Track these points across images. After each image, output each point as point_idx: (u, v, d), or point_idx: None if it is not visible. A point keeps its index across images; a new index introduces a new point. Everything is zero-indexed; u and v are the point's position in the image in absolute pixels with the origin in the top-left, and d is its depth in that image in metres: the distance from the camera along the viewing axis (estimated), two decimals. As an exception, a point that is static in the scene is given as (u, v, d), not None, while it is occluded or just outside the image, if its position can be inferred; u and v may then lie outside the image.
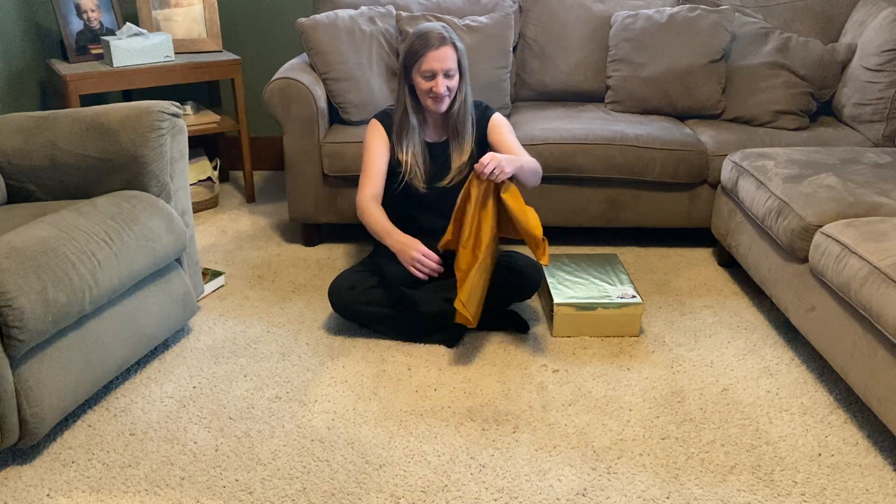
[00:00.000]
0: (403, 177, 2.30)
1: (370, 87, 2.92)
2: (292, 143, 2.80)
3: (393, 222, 2.27)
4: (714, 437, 1.89)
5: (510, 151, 2.30)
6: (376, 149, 2.33)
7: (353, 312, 2.28)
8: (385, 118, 2.36)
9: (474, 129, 2.34)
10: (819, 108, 3.01)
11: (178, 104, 2.22)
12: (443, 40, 2.18)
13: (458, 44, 2.23)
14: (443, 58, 2.18)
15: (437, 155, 2.35)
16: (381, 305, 2.26)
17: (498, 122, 2.38)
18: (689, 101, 3.01)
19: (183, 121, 2.25)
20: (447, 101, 2.25)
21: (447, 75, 2.20)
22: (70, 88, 2.93)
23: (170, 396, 2.04)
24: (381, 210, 2.26)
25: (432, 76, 2.19)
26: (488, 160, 2.07)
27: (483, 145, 2.36)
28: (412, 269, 2.12)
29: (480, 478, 1.74)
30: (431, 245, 2.23)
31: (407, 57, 2.22)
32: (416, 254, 2.11)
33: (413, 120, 2.29)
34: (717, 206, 2.74)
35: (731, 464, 1.80)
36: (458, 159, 2.32)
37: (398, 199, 2.35)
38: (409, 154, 2.30)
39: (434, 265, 2.12)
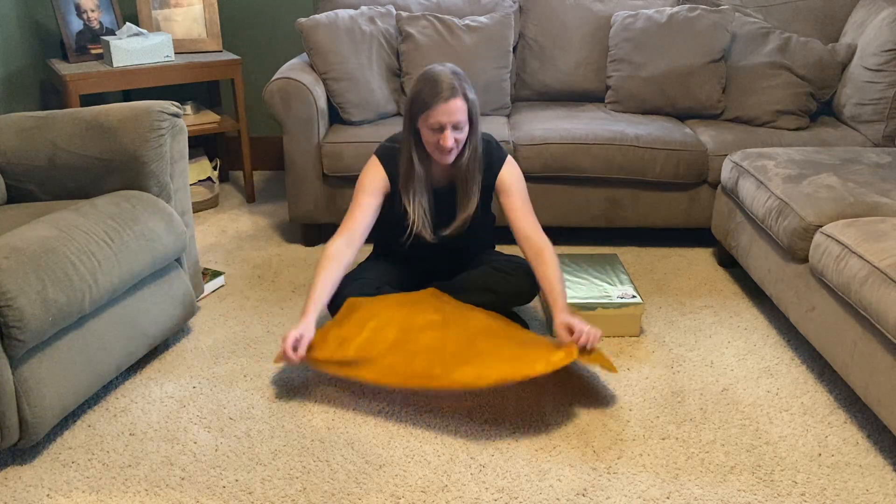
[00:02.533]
0: (412, 230, 2.17)
1: (370, 87, 2.92)
2: (292, 143, 2.80)
3: (405, 271, 2.31)
4: (714, 437, 1.89)
5: (524, 223, 2.17)
6: (367, 196, 2.15)
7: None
8: (387, 157, 2.19)
9: (481, 177, 2.18)
10: (819, 109, 3.01)
11: (178, 104, 2.22)
12: (453, 92, 2.01)
13: (470, 94, 2.06)
14: (452, 111, 2.01)
15: (443, 202, 2.22)
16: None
17: (509, 179, 2.20)
18: (690, 100, 3.01)
19: (183, 121, 2.25)
20: (455, 154, 2.10)
21: (456, 128, 2.04)
22: (70, 88, 2.93)
23: (170, 396, 2.04)
24: (329, 275, 2.07)
25: (440, 129, 2.04)
26: (586, 339, 1.93)
27: (488, 191, 2.23)
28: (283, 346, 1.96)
29: (480, 478, 1.74)
30: (433, 269, 2.29)
31: (414, 104, 2.06)
32: (284, 336, 1.95)
33: (419, 168, 2.14)
34: (718, 206, 2.74)
35: (732, 464, 1.80)
36: (464, 212, 2.18)
37: (409, 248, 2.24)
38: (417, 204, 2.16)
39: (287, 353, 1.93)
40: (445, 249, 2.30)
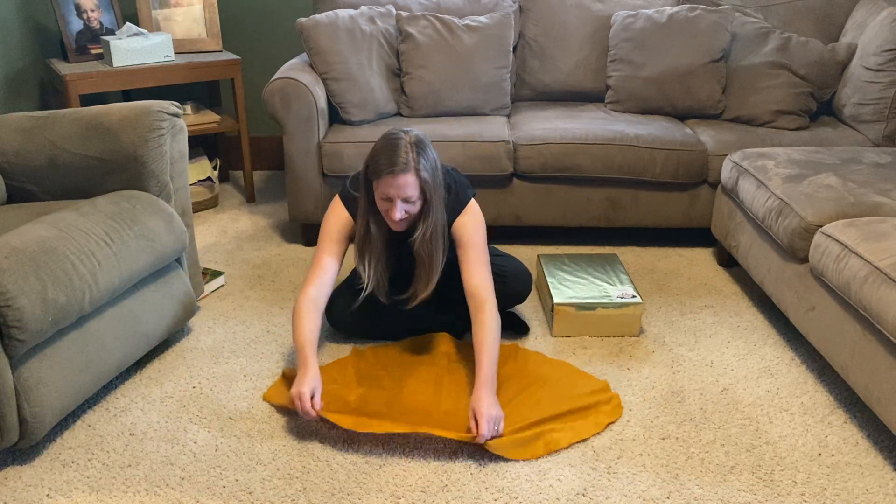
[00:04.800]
0: (365, 292, 2.09)
1: (370, 87, 2.92)
2: (292, 142, 2.80)
3: (362, 327, 2.23)
4: (714, 436, 1.89)
5: (473, 278, 2.01)
6: (331, 244, 2.08)
7: (352, 332, 2.28)
8: (350, 200, 2.09)
9: (445, 255, 2.07)
10: (819, 108, 3.01)
11: (177, 104, 2.22)
12: (405, 167, 1.89)
13: (424, 173, 1.92)
14: (401, 185, 1.90)
15: (400, 259, 2.12)
16: (377, 322, 2.24)
17: (465, 231, 2.05)
18: (690, 100, 3.01)
19: (183, 121, 2.25)
20: (405, 225, 2.01)
21: (406, 201, 1.94)
22: (70, 88, 2.93)
23: (170, 396, 2.04)
24: (312, 320, 1.98)
25: (389, 199, 1.94)
26: (484, 430, 1.77)
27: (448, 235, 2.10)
28: (293, 402, 1.86)
29: (480, 478, 1.74)
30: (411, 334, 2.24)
31: (368, 168, 1.97)
32: (297, 391, 1.84)
33: (375, 231, 2.04)
34: (717, 206, 2.74)
35: (732, 464, 1.80)
36: (424, 291, 2.07)
37: (362, 305, 2.16)
38: (371, 269, 2.07)
39: (306, 410, 1.83)
40: (402, 316, 2.23)
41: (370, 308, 2.19)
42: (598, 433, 1.88)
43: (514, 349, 2.21)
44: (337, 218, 2.10)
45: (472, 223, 2.08)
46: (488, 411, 1.80)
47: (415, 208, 1.97)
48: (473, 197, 2.12)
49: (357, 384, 2.04)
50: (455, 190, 2.09)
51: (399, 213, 1.94)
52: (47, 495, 1.69)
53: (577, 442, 1.85)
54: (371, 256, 2.07)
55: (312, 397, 1.84)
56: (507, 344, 2.22)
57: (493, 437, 1.80)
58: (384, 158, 1.92)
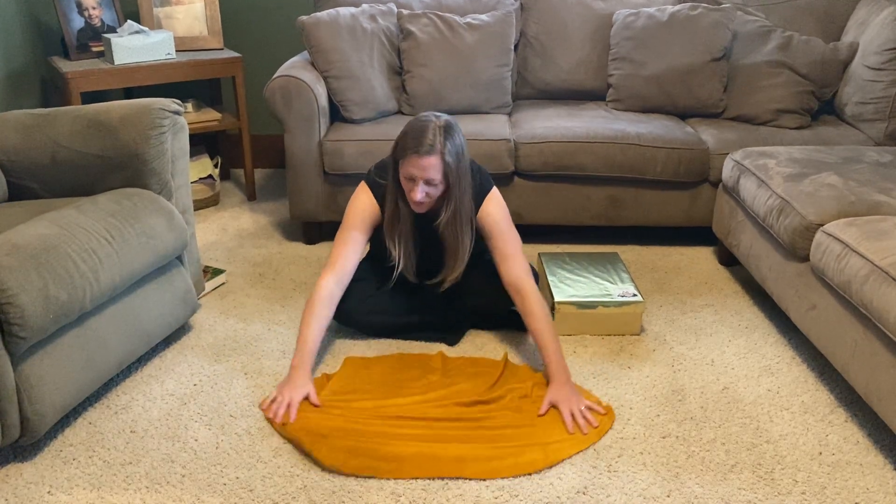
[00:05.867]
0: (396, 272, 2.14)
1: (371, 85, 2.92)
2: (293, 141, 2.80)
3: (391, 307, 2.24)
4: (715, 435, 1.89)
5: (509, 267, 2.08)
6: (354, 231, 2.11)
7: (354, 322, 2.28)
8: (377, 187, 2.13)
9: (472, 241, 2.12)
10: (820, 107, 3.01)
11: (178, 102, 2.22)
12: (431, 149, 1.94)
13: (449, 157, 1.96)
14: (425, 167, 1.95)
15: (431, 245, 2.15)
16: (382, 313, 2.25)
17: (491, 220, 2.11)
18: (691, 99, 3.01)
19: (184, 118, 2.25)
20: (425, 207, 2.05)
21: (428, 183, 1.98)
22: (71, 86, 2.93)
23: (171, 394, 2.04)
24: (324, 317, 2.04)
25: (412, 180, 1.99)
26: (570, 419, 1.88)
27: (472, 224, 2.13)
28: (272, 403, 1.93)
29: (480, 479, 1.74)
30: (433, 312, 2.24)
31: (396, 148, 2.02)
32: (279, 394, 1.93)
33: (404, 209, 2.08)
34: (719, 204, 2.74)
35: (732, 462, 1.80)
36: (451, 274, 2.13)
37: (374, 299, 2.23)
38: (402, 248, 2.12)
39: (281, 412, 1.88)
40: (430, 296, 2.26)
41: (382, 301, 2.22)
42: (594, 443, 1.86)
43: (501, 366, 2.13)
44: (362, 203, 2.13)
45: (497, 211, 2.13)
46: (567, 404, 1.90)
47: (436, 192, 2.01)
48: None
49: (342, 402, 1.96)
50: (479, 180, 2.14)
51: (420, 194, 1.98)
52: (48, 492, 1.69)
53: (576, 454, 1.82)
54: (400, 236, 2.11)
55: (296, 403, 1.90)
56: (495, 360, 2.17)
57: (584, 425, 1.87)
58: (411, 139, 1.97)
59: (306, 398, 1.94)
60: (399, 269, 2.14)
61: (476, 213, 2.12)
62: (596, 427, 1.88)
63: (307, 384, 1.97)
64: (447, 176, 1.99)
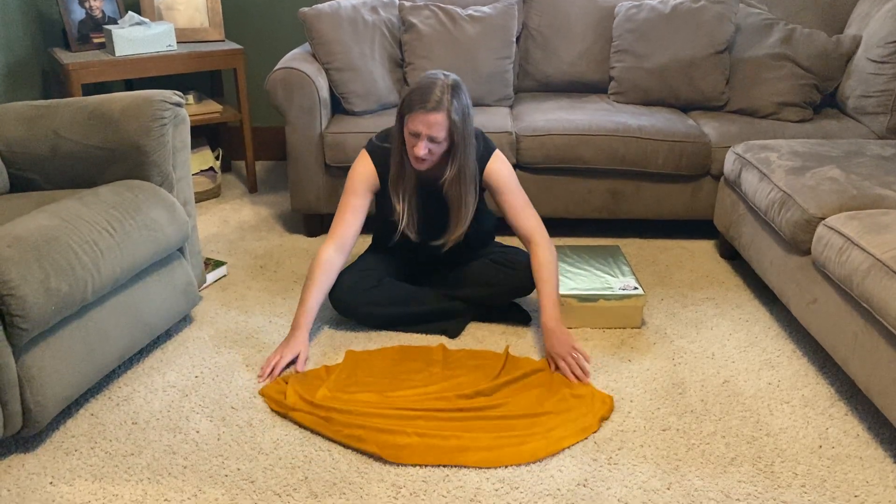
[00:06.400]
0: (400, 229, 2.18)
1: (372, 78, 2.91)
2: (294, 133, 2.80)
3: (405, 263, 2.33)
4: (715, 428, 1.90)
5: (521, 220, 2.17)
6: (356, 197, 2.16)
7: (355, 314, 2.28)
8: (377, 154, 2.18)
9: (476, 199, 2.17)
10: (823, 100, 3.00)
11: (180, 94, 2.21)
12: (438, 105, 1.97)
13: (455, 115, 2.00)
14: (430, 123, 1.98)
15: (433, 206, 2.19)
16: (383, 305, 2.25)
17: (497, 176, 2.17)
18: (693, 92, 3.00)
19: (185, 110, 2.24)
20: (427, 164, 2.08)
21: (432, 140, 2.01)
22: (72, 78, 2.93)
23: (172, 386, 2.05)
24: (324, 283, 2.12)
25: (416, 136, 2.02)
26: (563, 365, 2.03)
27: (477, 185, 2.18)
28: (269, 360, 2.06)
29: (481, 468, 1.75)
30: (431, 264, 2.29)
31: (403, 104, 2.05)
32: (280, 356, 2.05)
33: (409, 168, 2.12)
34: (720, 198, 2.74)
35: (732, 455, 1.80)
36: (455, 232, 2.17)
37: (408, 244, 2.27)
38: (405, 204, 2.15)
39: (266, 371, 2.03)
40: (440, 250, 2.29)
41: (383, 293, 2.23)
42: (595, 432, 1.87)
43: (502, 358, 2.13)
44: (362, 170, 2.18)
45: (503, 167, 2.19)
46: (558, 349, 2.06)
47: (439, 150, 2.04)
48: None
49: (341, 389, 1.98)
50: (483, 142, 2.19)
51: (423, 150, 2.01)
52: (50, 483, 1.70)
53: (577, 443, 1.83)
54: (405, 193, 2.15)
55: (292, 363, 2.06)
56: (496, 352, 2.17)
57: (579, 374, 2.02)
58: (418, 95, 2.00)
59: (294, 362, 2.07)
60: (403, 226, 2.17)
61: (482, 173, 2.17)
62: (588, 378, 2.03)
63: (299, 345, 2.08)
64: (452, 134, 2.02)
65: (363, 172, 2.18)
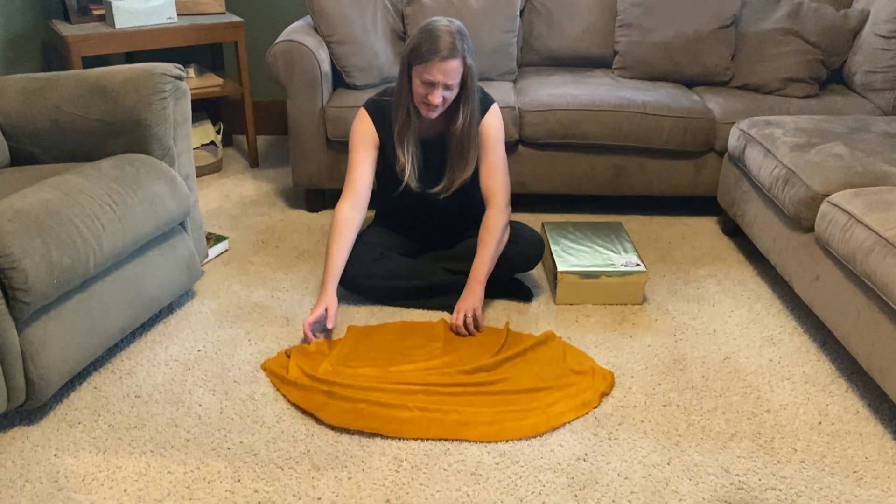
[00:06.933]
0: (402, 177, 2.20)
1: (374, 51, 2.89)
2: (296, 107, 2.78)
3: (408, 238, 2.35)
4: (715, 404, 1.90)
5: (490, 179, 2.19)
6: (362, 151, 2.19)
7: (358, 286, 2.28)
8: (376, 110, 2.20)
9: (476, 149, 2.20)
10: (829, 76, 2.97)
11: (180, 66, 2.20)
12: (453, 51, 2.00)
13: (469, 59, 2.05)
14: (447, 71, 2.01)
15: (433, 155, 2.22)
16: (385, 279, 2.25)
17: (489, 130, 2.19)
18: (698, 67, 2.97)
19: (186, 83, 2.23)
20: (438, 111, 2.11)
21: (447, 87, 2.05)
22: (72, 50, 2.90)
23: (174, 359, 2.05)
24: (345, 242, 2.15)
25: (431, 85, 2.04)
26: (458, 316, 2.12)
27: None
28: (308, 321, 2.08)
29: (482, 442, 1.76)
30: (435, 233, 2.34)
31: (412, 54, 2.05)
32: (311, 315, 2.08)
33: (414, 118, 2.15)
34: (724, 174, 2.72)
35: (732, 431, 1.81)
36: (460, 175, 2.20)
37: (410, 211, 2.33)
38: (409, 154, 2.18)
39: (307, 332, 2.06)
40: (447, 212, 2.30)
41: (386, 266, 2.25)
42: (595, 407, 1.88)
43: (503, 334, 2.14)
44: (361, 127, 2.20)
45: (497, 124, 2.22)
46: (463, 304, 2.12)
47: (451, 96, 2.07)
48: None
49: (342, 364, 1.99)
50: (482, 92, 2.22)
51: (439, 98, 2.04)
52: (54, 455, 1.71)
53: (577, 418, 1.84)
54: (409, 144, 2.17)
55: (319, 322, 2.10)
56: (497, 328, 2.18)
57: (468, 332, 2.12)
58: (429, 44, 2.01)
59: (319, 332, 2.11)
60: (407, 177, 2.19)
61: (480, 122, 2.19)
62: (474, 333, 2.12)
63: (327, 300, 2.10)
64: (465, 79, 2.06)
65: (363, 130, 2.20)
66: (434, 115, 2.11)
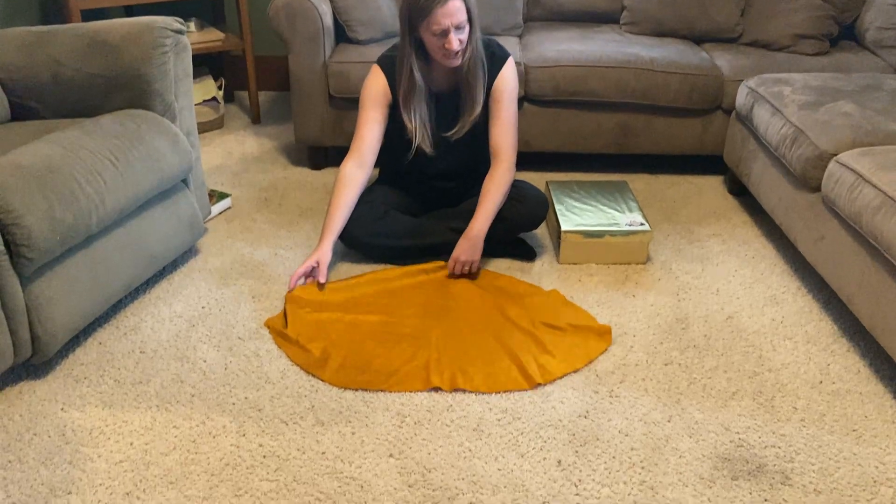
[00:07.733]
0: (413, 143, 2.19)
1: (377, 4, 2.84)
2: (298, 62, 2.74)
3: (412, 196, 2.35)
4: (717, 363, 1.91)
5: (498, 135, 2.18)
6: (371, 110, 2.18)
7: (360, 245, 2.27)
8: (388, 66, 2.18)
9: (485, 79, 2.17)
10: (840, 33, 2.92)
11: (181, 20, 2.16)
12: None
13: None
14: (452, 12, 1.99)
15: (446, 107, 2.21)
16: (388, 237, 2.25)
17: (503, 84, 2.18)
18: (707, 23, 2.92)
19: (186, 38, 2.19)
20: (461, 56, 2.09)
21: (459, 28, 2.02)
22: (71, 3, 2.86)
23: (179, 316, 2.06)
24: (347, 199, 2.16)
25: (444, 33, 2.01)
26: (453, 265, 2.16)
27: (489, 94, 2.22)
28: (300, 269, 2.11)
29: (484, 398, 1.77)
30: (440, 192, 2.33)
31: (412, 12, 2.03)
32: (301, 266, 2.10)
33: (419, 80, 2.13)
34: (731, 132, 2.69)
35: (733, 390, 1.82)
36: (470, 114, 2.18)
37: (416, 171, 2.31)
38: (417, 120, 2.17)
39: (293, 282, 2.09)
40: (452, 170, 2.29)
41: (388, 225, 2.25)
42: (591, 361, 1.89)
43: (503, 278, 2.20)
44: (374, 83, 2.19)
45: (512, 78, 2.20)
46: (463, 255, 2.14)
47: (465, 35, 2.06)
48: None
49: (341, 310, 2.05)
50: (496, 46, 2.20)
51: (456, 42, 2.02)
52: (61, 409, 1.73)
53: (571, 372, 1.86)
54: (416, 106, 2.16)
55: (310, 274, 2.11)
56: (496, 272, 2.22)
57: (462, 274, 2.17)
58: None
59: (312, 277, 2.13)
60: (417, 141, 2.19)
61: (495, 77, 2.18)
62: (467, 272, 2.18)
63: (320, 253, 2.11)
64: (469, 13, 2.04)
65: (375, 86, 2.18)
66: (458, 61, 2.08)
